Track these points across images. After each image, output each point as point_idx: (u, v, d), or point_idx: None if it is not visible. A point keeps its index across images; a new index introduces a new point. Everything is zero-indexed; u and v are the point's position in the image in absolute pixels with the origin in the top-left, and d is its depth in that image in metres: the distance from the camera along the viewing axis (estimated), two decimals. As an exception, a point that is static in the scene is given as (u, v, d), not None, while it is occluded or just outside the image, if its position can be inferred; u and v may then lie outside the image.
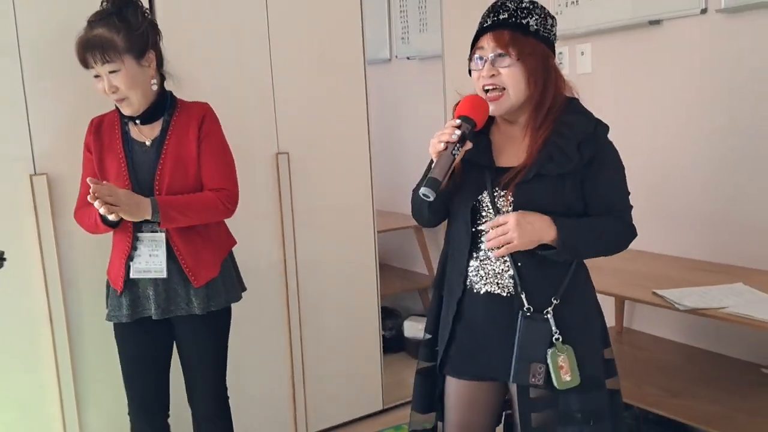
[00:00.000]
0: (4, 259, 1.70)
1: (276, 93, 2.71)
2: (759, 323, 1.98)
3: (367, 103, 2.96)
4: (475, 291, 1.70)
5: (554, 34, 1.67)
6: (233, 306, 2.21)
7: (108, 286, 2.14)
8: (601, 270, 2.61)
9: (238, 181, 2.14)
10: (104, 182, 1.91)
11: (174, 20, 2.40)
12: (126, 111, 2.01)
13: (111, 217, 1.90)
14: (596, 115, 1.70)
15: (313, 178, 2.83)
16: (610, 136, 1.70)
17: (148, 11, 2.05)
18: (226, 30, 2.58)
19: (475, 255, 1.70)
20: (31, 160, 2.27)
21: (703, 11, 2.55)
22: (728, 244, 2.60)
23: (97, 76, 1.95)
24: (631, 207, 1.71)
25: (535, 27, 1.62)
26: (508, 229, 1.57)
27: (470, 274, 1.71)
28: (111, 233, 2.09)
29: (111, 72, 1.92)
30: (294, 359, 2.84)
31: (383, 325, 3.27)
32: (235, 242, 2.23)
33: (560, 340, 1.63)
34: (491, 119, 1.70)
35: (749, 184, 2.52)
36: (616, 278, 2.52)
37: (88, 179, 1.84)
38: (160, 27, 2.08)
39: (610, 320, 2.91)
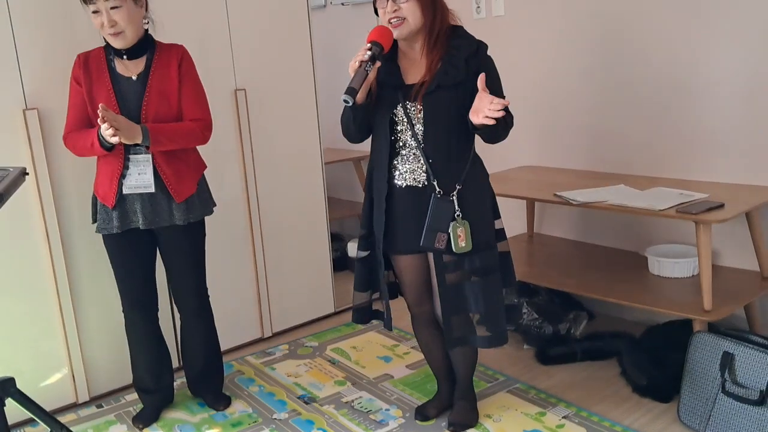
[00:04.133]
0: (27, 174, 2.01)
1: (232, 36, 3.04)
2: (631, 209, 2.54)
3: (311, 45, 3.33)
4: (398, 187, 2.17)
5: None
6: (208, 224, 2.58)
7: (94, 204, 2.45)
8: (514, 180, 3.16)
9: (211, 113, 2.50)
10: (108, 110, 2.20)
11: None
12: (118, 44, 2.29)
13: (113, 140, 2.19)
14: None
15: (267, 113, 3.19)
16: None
17: None
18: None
19: (395, 159, 2.16)
20: (22, 97, 2.56)
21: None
22: (612, 156, 3.16)
23: (95, 12, 2.22)
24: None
25: None
26: (491, 98, 1.94)
27: (393, 174, 2.17)
28: (95, 158, 2.41)
29: (113, 8, 2.21)
30: (258, 274, 3.26)
31: (331, 247, 3.71)
32: (205, 166, 2.58)
33: (460, 216, 2.11)
34: (396, 50, 2.15)
35: (627, 107, 3.06)
36: (525, 186, 3.05)
37: (100, 105, 2.14)
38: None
39: (522, 227, 3.48)
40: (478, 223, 2.16)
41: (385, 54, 2.07)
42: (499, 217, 2.32)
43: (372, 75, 2.05)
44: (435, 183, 2.12)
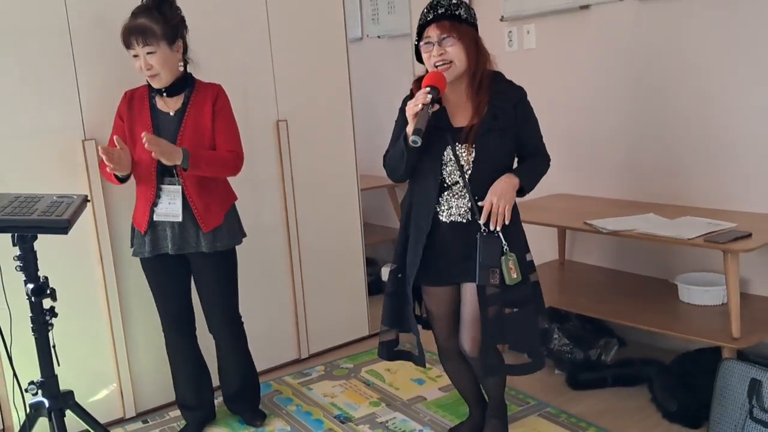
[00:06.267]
0: (89, 200, 2.19)
1: (275, 69, 3.20)
2: (660, 238, 2.60)
3: (349, 76, 3.48)
4: (442, 222, 2.26)
5: (476, 21, 2.22)
6: (248, 249, 2.70)
7: (133, 229, 2.61)
8: (546, 208, 3.24)
9: (243, 147, 2.62)
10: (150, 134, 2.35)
11: (189, 16, 2.89)
12: (156, 84, 2.48)
13: (119, 174, 2.42)
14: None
15: (307, 142, 3.34)
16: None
17: (179, 8, 2.52)
18: (231, 20, 3.06)
19: (440, 197, 2.25)
20: (81, 128, 2.74)
21: (622, -1, 3.17)
22: (642, 186, 3.23)
23: (135, 56, 2.42)
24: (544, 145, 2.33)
25: (465, 16, 2.16)
26: (498, 204, 2.14)
27: (438, 210, 2.26)
28: (135, 187, 2.57)
29: (148, 53, 2.40)
30: (296, 297, 3.38)
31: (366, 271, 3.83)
32: (236, 198, 2.70)
33: (508, 250, 2.19)
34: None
35: (656, 138, 3.14)
36: (556, 214, 3.13)
37: (144, 133, 2.30)
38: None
39: (553, 253, 3.55)
40: (519, 256, 2.24)
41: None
42: (529, 250, 2.37)
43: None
44: (480, 220, 2.20)
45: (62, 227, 1.82)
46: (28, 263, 1.91)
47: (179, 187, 2.50)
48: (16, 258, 1.91)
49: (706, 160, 2.99)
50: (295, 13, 3.25)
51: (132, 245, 2.62)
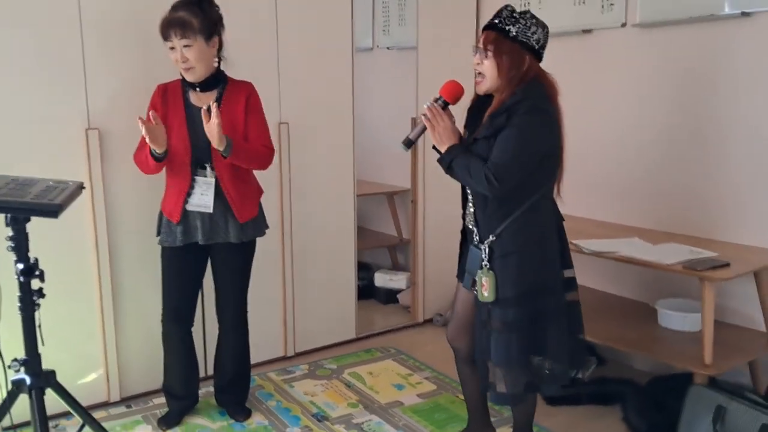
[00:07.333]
0: (84, 188, 2.25)
1: (281, 72, 3.29)
2: (639, 261, 2.66)
3: (353, 85, 3.55)
4: (467, 227, 2.31)
5: (536, 41, 2.09)
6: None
7: (161, 219, 2.69)
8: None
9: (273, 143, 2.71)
10: (156, 122, 2.42)
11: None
12: (190, 78, 2.55)
13: (157, 151, 2.44)
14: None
15: (307, 146, 3.42)
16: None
17: (219, 7, 2.58)
18: (241, 23, 3.13)
19: (467, 205, 2.28)
20: (86, 117, 2.83)
21: (623, 25, 3.22)
22: (631, 210, 3.29)
23: (172, 48, 2.49)
24: (504, 168, 2.04)
25: (515, 33, 2.07)
26: (440, 124, 2.14)
27: (466, 216, 2.31)
28: (151, 181, 2.66)
29: (185, 46, 2.47)
30: (286, 296, 3.45)
31: (358, 275, 3.86)
32: (263, 191, 2.81)
33: (487, 266, 2.15)
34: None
35: (649, 164, 3.19)
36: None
37: (150, 112, 2.37)
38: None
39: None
40: (502, 278, 2.14)
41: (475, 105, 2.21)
42: (569, 267, 2.29)
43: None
44: (475, 230, 2.23)
45: (53, 211, 1.90)
46: (20, 244, 1.99)
47: (212, 180, 2.57)
48: (8, 238, 1.99)
49: (697, 189, 3.03)
50: (304, 20, 3.33)
51: (158, 234, 2.69)
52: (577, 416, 2.87)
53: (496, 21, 2.11)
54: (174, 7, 2.50)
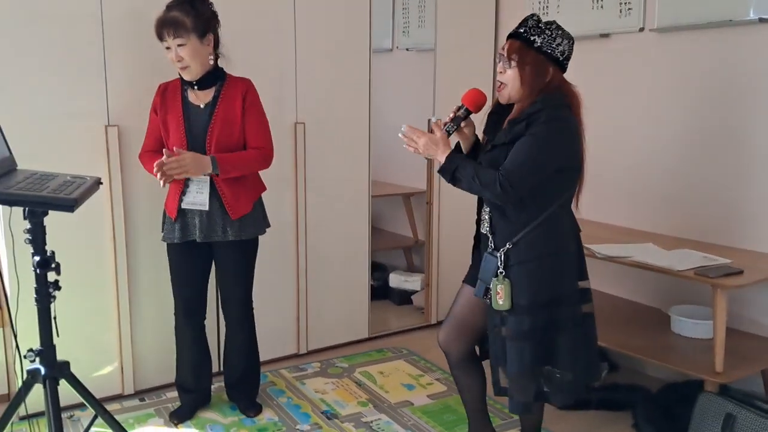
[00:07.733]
0: (101, 183, 2.30)
1: (298, 72, 3.32)
2: (652, 267, 2.64)
3: (370, 86, 3.57)
4: (481, 233, 2.29)
5: (561, 52, 2.07)
6: (261, 244, 2.82)
7: (164, 215, 2.74)
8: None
9: (272, 142, 2.74)
10: (174, 156, 2.46)
11: (222, 15, 3.01)
12: (186, 76, 2.59)
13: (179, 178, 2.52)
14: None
15: (323, 146, 3.44)
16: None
17: (212, 4, 2.63)
18: (259, 23, 3.18)
19: (483, 209, 2.27)
20: (106, 114, 2.88)
21: (641, 29, 3.20)
22: (646, 215, 3.26)
23: (168, 48, 2.53)
24: (517, 174, 2.01)
25: (539, 44, 2.04)
26: (419, 141, 2.14)
27: (482, 222, 2.29)
28: None
29: (179, 45, 2.51)
30: (300, 294, 3.48)
31: (372, 276, 3.90)
32: (265, 188, 2.82)
33: (503, 274, 2.11)
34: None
35: (665, 169, 3.17)
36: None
37: (164, 150, 2.44)
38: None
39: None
40: (518, 286, 2.12)
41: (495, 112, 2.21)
42: (585, 278, 2.26)
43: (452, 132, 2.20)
44: (490, 237, 2.19)
45: (69, 205, 1.93)
46: (36, 237, 2.03)
47: (207, 178, 2.61)
48: (25, 231, 2.03)
49: (712, 195, 3.01)
50: (322, 20, 3.36)
51: (162, 230, 2.74)
52: (588, 422, 2.86)
53: (522, 30, 2.08)
54: (168, 7, 2.54)
